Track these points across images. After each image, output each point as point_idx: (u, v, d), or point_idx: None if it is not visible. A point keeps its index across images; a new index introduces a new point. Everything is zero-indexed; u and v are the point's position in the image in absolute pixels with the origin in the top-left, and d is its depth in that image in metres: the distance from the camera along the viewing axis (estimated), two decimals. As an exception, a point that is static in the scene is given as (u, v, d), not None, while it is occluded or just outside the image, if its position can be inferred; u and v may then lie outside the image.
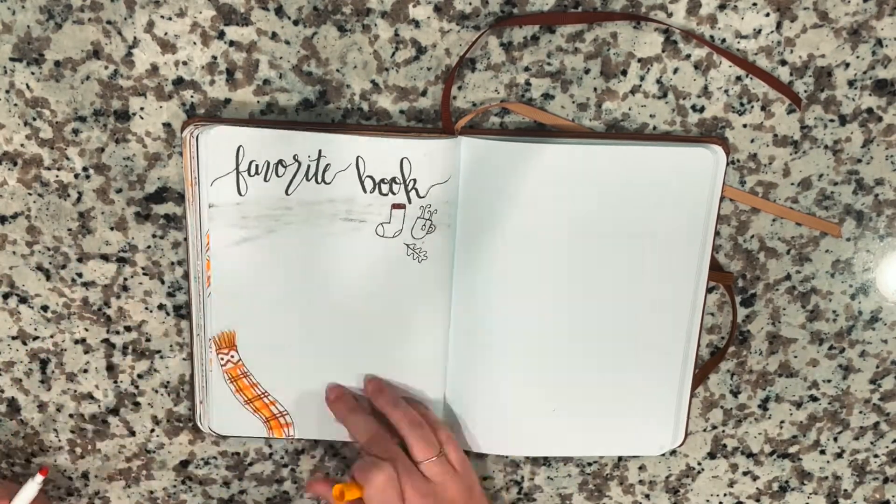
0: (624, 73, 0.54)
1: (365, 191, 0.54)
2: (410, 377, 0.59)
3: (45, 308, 0.59)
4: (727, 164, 0.55)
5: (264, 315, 0.57)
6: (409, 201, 0.54)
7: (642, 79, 0.54)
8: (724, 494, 0.66)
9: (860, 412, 0.63)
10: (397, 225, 0.55)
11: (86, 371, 0.61)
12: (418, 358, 0.58)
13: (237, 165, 0.53)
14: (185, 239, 0.57)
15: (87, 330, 0.60)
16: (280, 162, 0.53)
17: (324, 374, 0.59)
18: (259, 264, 0.56)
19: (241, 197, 0.54)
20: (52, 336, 0.60)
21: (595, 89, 0.54)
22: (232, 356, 0.59)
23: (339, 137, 0.53)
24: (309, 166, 0.53)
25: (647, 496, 0.66)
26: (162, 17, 0.52)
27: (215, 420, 0.61)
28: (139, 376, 0.61)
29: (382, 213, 0.54)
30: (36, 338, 0.60)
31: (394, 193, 0.54)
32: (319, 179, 0.53)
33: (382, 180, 0.54)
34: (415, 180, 0.54)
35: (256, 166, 0.53)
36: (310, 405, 0.60)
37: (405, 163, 0.53)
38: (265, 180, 0.54)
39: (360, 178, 0.53)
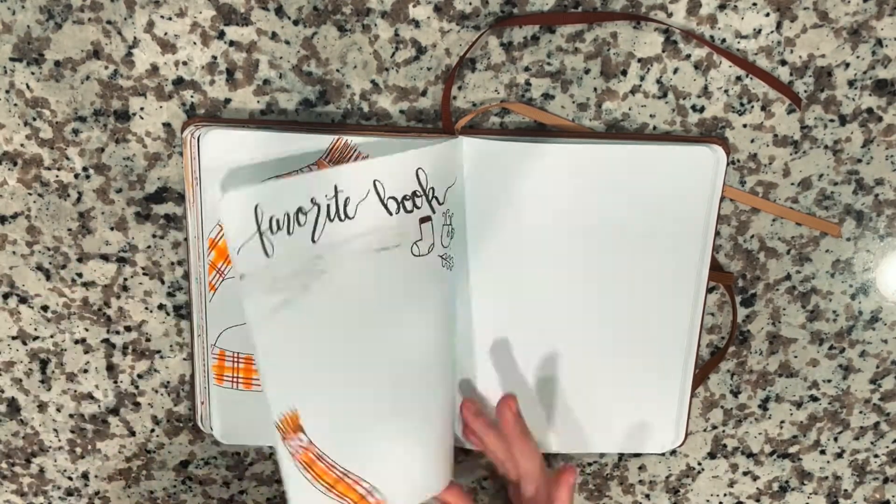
0: (624, 73, 0.54)
1: (390, 213, 0.51)
2: (426, 380, 0.55)
3: (45, 308, 0.59)
4: (727, 164, 0.55)
5: (324, 384, 0.52)
6: (433, 211, 0.52)
7: (642, 79, 0.54)
8: (724, 494, 0.66)
9: (860, 412, 0.63)
10: (429, 239, 0.52)
11: (86, 371, 0.61)
12: (433, 363, 0.55)
13: (258, 226, 0.49)
14: (186, 239, 0.57)
15: (87, 330, 0.60)
16: (300, 210, 0.49)
17: (396, 429, 0.54)
18: (304, 329, 0.51)
19: (269, 259, 0.50)
20: (52, 336, 0.60)
21: (595, 89, 0.54)
22: (301, 439, 0.52)
23: (350, 167, 0.50)
24: (329, 206, 0.50)
25: (647, 496, 0.66)
26: (162, 17, 0.52)
27: None
28: (139, 376, 0.61)
29: (413, 231, 0.52)
30: (36, 338, 0.60)
31: (418, 207, 0.51)
32: (343, 216, 0.50)
33: (405, 197, 0.51)
34: (433, 188, 0.52)
35: (277, 221, 0.49)
36: (394, 469, 0.55)
37: (420, 173, 0.51)
38: (289, 233, 0.50)
39: (382, 201, 0.50)
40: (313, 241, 0.50)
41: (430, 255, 0.53)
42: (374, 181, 0.50)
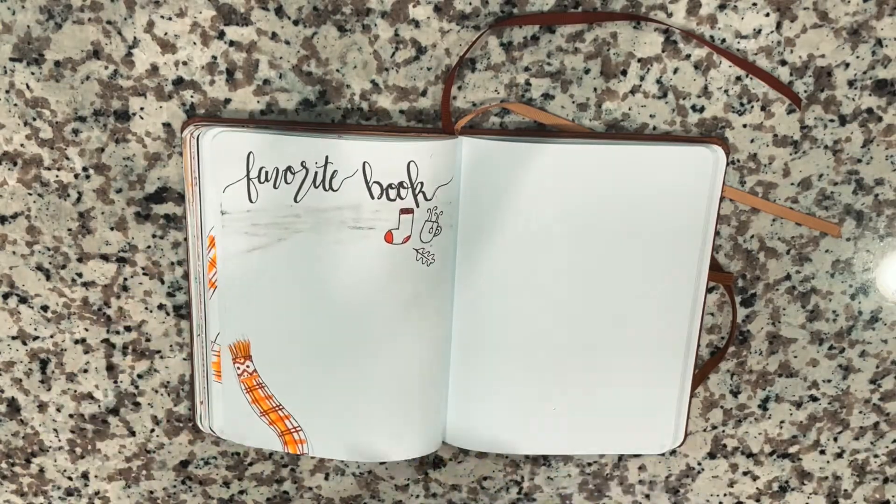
0: (624, 73, 0.54)
1: (372, 197, 0.53)
2: (415, 378, 0.59)
3: (45, 308, 0.59)
4: (727, 164, 0.55)
5: (277, 325, 0.57)
6: (417, 205, 0.54)
7: (642, 79, 0.54)
8: (724, 494, 0.66)
9: (860, 412, 0.63)
10: (406, 230, 0.54)
11: (86, 371, 0.61)
12: (423, 359, 0.58)
13: (248, 172, 0.53)
14: (185, 239, 0.57)
15: (87, 330, 0.60)
16: (289, 168, 0.53)
17: (335, 388, 0.59)
18: (270, 273, 0.55)
19: (252, 204, 0.54)
20: (52, 336, 0.60)
21: (595, 89, 0.54)
22: (248, 366, 0.58)
23: (345, 143, 0.52)
24: (317, 173, 0.53)
25: (647, 496, 0.66)
26: (162, 17, 0.52)
27: (231, 428, 0.60)
28: (139, 376, 0.61)
29: (391, 219, 0.54)
30: (36, 338, 0.60)
31: (401, 198, 0.53)
32: (327, 186, 0.53)
33: (390, 185, 0.53)
34: (422, 183, 0.53)
35: (266, 173, 0.53)
36: (323, 421, 0.59)
37: (412, 166, 0.53)
38: (275, 187, 0.53)
39: (367, 184, 0.53)
40: (296, 200, 0.53)
41: (404, 246, 0.55)
42: (364, 163, 0.53)
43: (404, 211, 0.54)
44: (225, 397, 0.59)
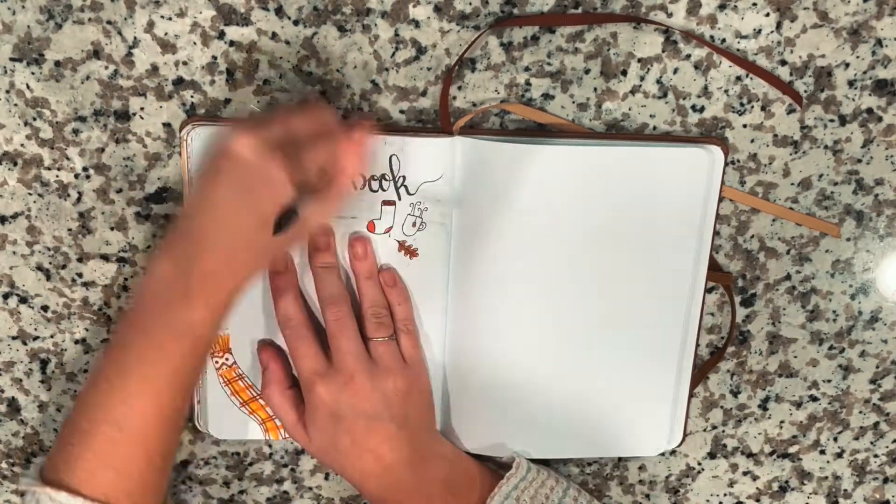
0: (624, 73, 0.54)
1: (354, 186, 0.54)
2: None
3: (45, 308, 0.59)
4: (727, 164, 0.55)
5: (256, 316, 0.57)
6: (399, 198, 0.55)
7: (642, 79, 0.54)
8: (724, 494, 0.66)
9: (860, 412, 0.63)
10: (388, 221, 0.55)
11: (86, 371, 0.61)
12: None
13: None
14: (185, 239, 0.57)
15: (87, 330, 0.60)
16: None
17: None
18: None
19: None
20: (52, 336, 0.60)
21: (595, 89, 0.54)
22: (227, 359, 0.59)
23: None
24: None
25: (648, 496, 0.66)
26: (162, 17, 0.52)
27: (212, 422, 0.61)
28: (139, 376, 0.61)
29: (373, 209, 0.55)
30: (36, 338, 0.60)
31: (383, 189, 0.54)
32: None
33: (372, 177, 0.54)
34: (404, 177, 0.54)
35: None
36: None
37: (394, 160, 0.54)
38: None
39: None
40: None
41: (386, 236, 0.56)
42: None
43: (386, 202, 0.55)
44: (208, 392, 0.60)
